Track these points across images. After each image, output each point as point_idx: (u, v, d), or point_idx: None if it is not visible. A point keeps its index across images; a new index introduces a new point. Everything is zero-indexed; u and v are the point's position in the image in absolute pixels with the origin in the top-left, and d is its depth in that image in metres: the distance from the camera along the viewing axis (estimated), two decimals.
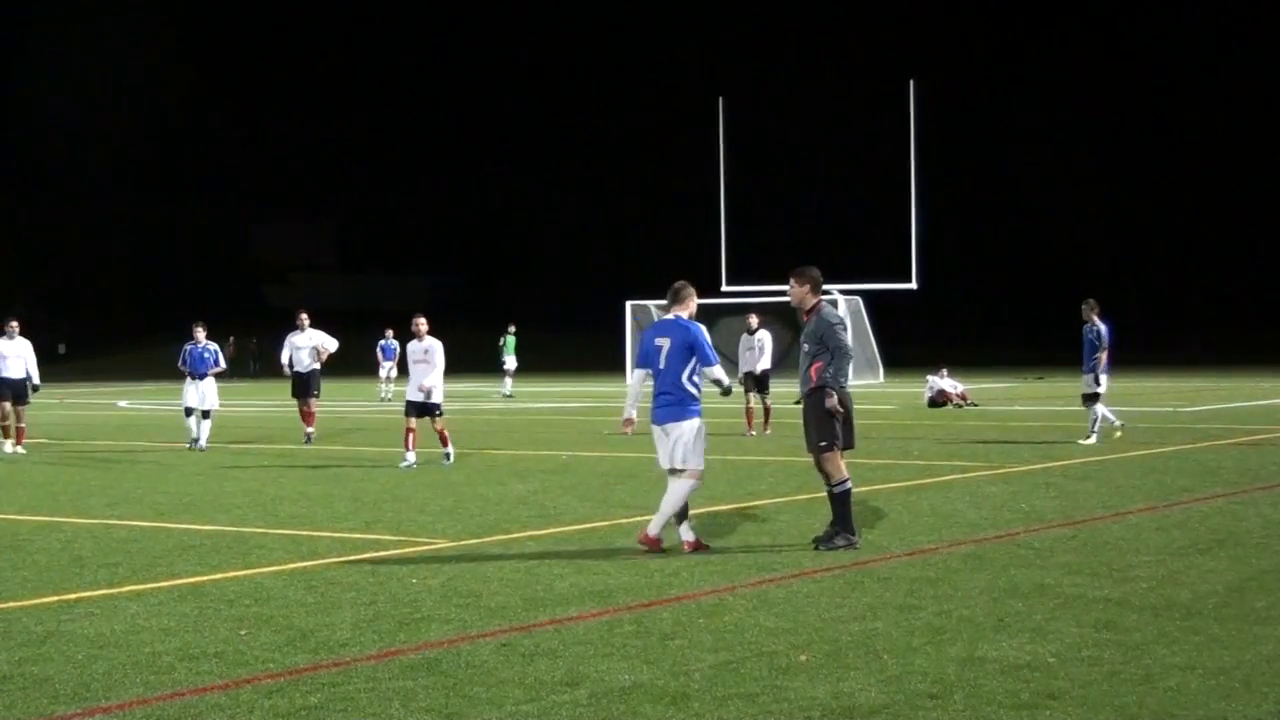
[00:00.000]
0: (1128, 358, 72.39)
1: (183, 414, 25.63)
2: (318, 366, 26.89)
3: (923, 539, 12.95)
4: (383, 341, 46.20)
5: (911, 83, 53.78)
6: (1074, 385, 48.91)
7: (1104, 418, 24.21)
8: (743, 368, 26.89)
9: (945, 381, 37.40)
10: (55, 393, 54.75)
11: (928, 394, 37.17)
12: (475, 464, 21.47)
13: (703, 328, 12.52)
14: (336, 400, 45.66)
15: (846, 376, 12.62)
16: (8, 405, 24.95)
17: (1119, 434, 24.34)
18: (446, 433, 21.60)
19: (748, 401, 26.76)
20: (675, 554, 12.16)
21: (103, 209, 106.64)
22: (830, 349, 12.40)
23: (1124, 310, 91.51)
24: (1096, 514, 14.54)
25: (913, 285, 53.54)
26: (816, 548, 12.26)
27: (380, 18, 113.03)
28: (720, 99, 57.49)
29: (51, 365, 75.18)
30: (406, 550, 12.72)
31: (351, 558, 12.26)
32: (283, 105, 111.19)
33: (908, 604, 9.88)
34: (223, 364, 25.97)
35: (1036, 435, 26.30)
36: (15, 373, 25.10)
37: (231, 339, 77.67)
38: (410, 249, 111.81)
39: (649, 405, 12.75)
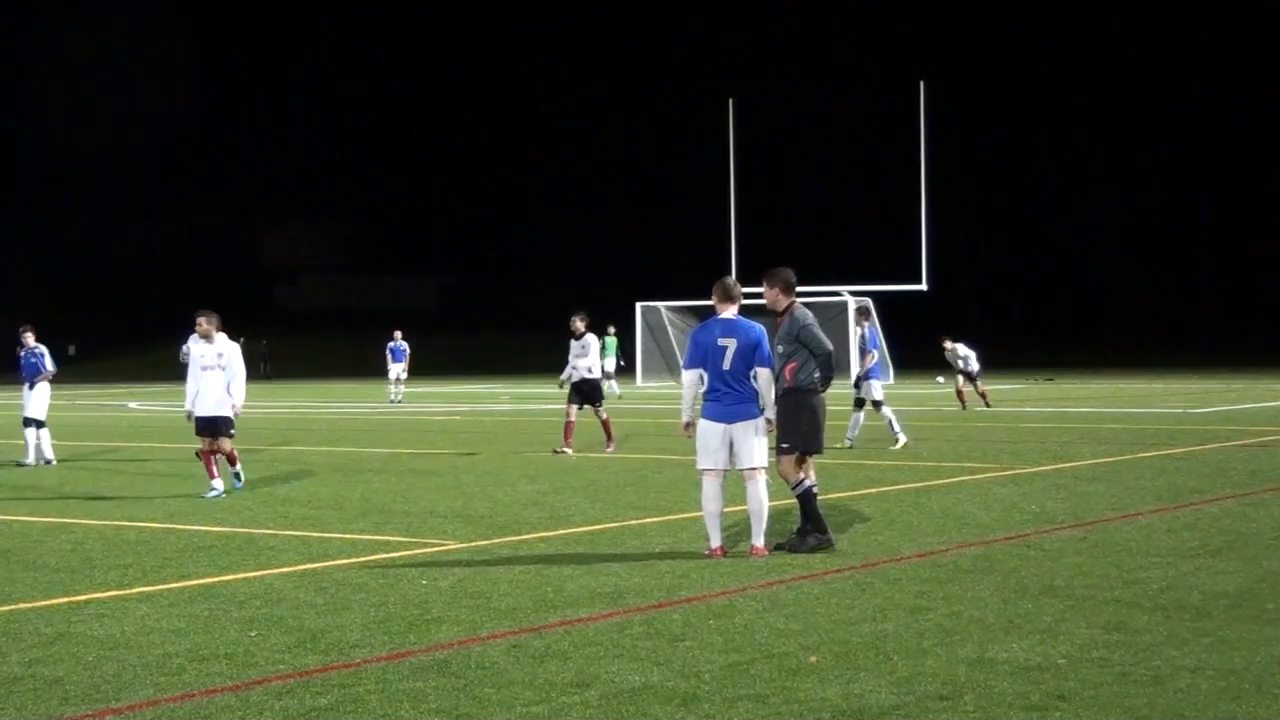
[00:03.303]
0: (1138, 359, 72.42)
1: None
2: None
3: (933, 540, 12.93)
4: (391, 343, 46.25)
5: (921, 84, 53.76)
6: (1085, 388, 48.91)
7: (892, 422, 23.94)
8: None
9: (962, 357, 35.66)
10: (65, 394, 54.86)
11: (961, 371, 35.74)
12: (485, 465, 21.47)
13: (763, 329, 12.38)
14: (346, 401, 45.70)
15: (831, 375, 12.54)
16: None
17: (848, 443, 23.93)
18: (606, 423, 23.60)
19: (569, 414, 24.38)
20: (685, 556, 12.15)
21: (114, 211, 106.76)
22: (811, 350, 12.39)
23: (1134, 311, 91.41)
24: (1106, 515, 14.52)
25: (923, 287, 53.50)
26: (781, 547, 12.22)
27: (390, 19, 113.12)
28: (730, 101, 57.50)
29: (61, 367, 75.49)
30: (416, 552, 12.72)
31: (362, 559, 12.27)
32: (292, 107, 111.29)
33: (918, 605, 9.87)
34: (50, 368, 23.42)
35: (1046, 437, 26.27)
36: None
37: (241, 340, 77.82)
38: (420, 251, 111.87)
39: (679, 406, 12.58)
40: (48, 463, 22.60)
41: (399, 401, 44.05)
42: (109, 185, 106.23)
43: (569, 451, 22.96)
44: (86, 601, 10.48)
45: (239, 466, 18.33)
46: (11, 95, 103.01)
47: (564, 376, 24.07)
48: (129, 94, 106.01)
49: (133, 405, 47.23)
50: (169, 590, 10.92)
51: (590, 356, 23.86)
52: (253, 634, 9.22)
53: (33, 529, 14.72)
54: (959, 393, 35.98)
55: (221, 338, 17.98)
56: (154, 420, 37.62)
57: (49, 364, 23.28)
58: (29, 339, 23.23)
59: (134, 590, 10.92)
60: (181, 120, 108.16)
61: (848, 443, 23.65)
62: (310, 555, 12.55)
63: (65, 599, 10.60)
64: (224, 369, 17.83)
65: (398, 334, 46.31)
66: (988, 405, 35.77)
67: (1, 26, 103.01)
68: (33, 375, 23.00)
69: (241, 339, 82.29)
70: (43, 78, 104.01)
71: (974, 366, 35.84)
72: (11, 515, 15.93)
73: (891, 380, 54.65)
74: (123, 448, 26.66)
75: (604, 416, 23.85)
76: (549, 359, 75.34)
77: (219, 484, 17.58)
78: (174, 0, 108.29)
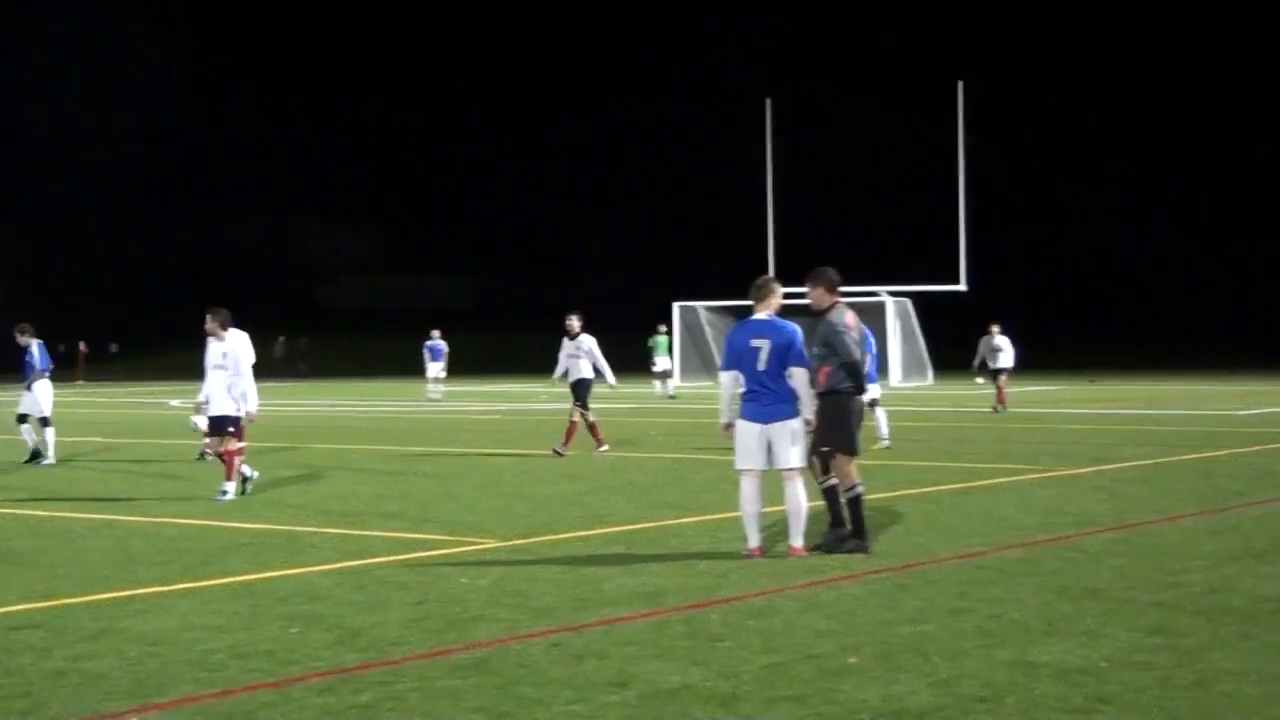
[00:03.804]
0: (1186, 360, 71.89)
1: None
2: None
3: (972, 542, 12.89)
4: (429, 342, 46.34)
5: (960, 84, 53.58)
6: (1126, 389, 48.62)
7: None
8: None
9: (1000, 348, 34.71)
10: (108, 391, 55.21)
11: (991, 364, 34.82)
12: (525, 464, 21.50)
13: (798, 328, 12.36)
14: (385, 400, 45.83)
15: (861, 381, 12.52)
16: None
17: (885, 444, 23.50)
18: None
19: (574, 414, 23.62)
20: (724, 556, 12.14)
21: (156, 210, 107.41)
22: (838, 354, 12.37)
23: (1181, 311, 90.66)
24: (1148, 518, 14.44)
25: (962, 287, 53.35)
26: (818, 547, 12.21)
27: (431, 18, 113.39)
28: (767, 100, 57.44)
29: (104, 364, 75.93)
30: (455, 550, 12.75)
31: (401, 557, 12.30)
32: (334, 109, 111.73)
33: (958, 607, 9.84)
34: (41, 365, 22.74)
35: (1086, 438, 26.14)
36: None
37: (281, 339, 78.14)
38: (459, 251, 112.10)
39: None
40: (37, 456, 22.28)
41: (439, 400, 44.14)
42: (154, 185, 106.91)
43: (606, 449, 22.86)
44: (129, 598, 10.54)
45: (232, 481, 17.22)
46: (61, 94, 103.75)
47: (556, 375, 23.80)
48: (173, 95, 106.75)
49: (174, 403, 47.45)
50: (210, 587, 10.98)
51: (584, 357, 23.41)
52: (293, 631, 9.26)
53: (75, 525, 14.82)
54: (999, 392, 34.82)
55: (233, 335, 17.59)
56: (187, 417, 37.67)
57: (40, 361, 22.71)
58: (24, 338, 22.78)
59: (176, 587, 10.98)
60: (224, 122, 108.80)
61: (885, 443, 23.46)
62: (350, 553, 12.59)
63: (108, 595, 10.67)
64: (227, 368, 17.41)
65: (435, 333, 46.41)
66: (999, 408, 34.18)
67: (45, 24, 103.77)
68: (29, 374, 22.66)
69: (282, 338, 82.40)
70: (87, 76, 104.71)
71: (1005, 363, 34.82)
72: (54, 512, 16.04)
73: (931, 381, 54.53)
74: (164, 444, 26.78)
75: (591, 419, 23.15)
76: None
77: (230, 487, 17.14)
78: (218, 3, 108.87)
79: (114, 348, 79.98)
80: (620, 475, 19.61)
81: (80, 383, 64.93)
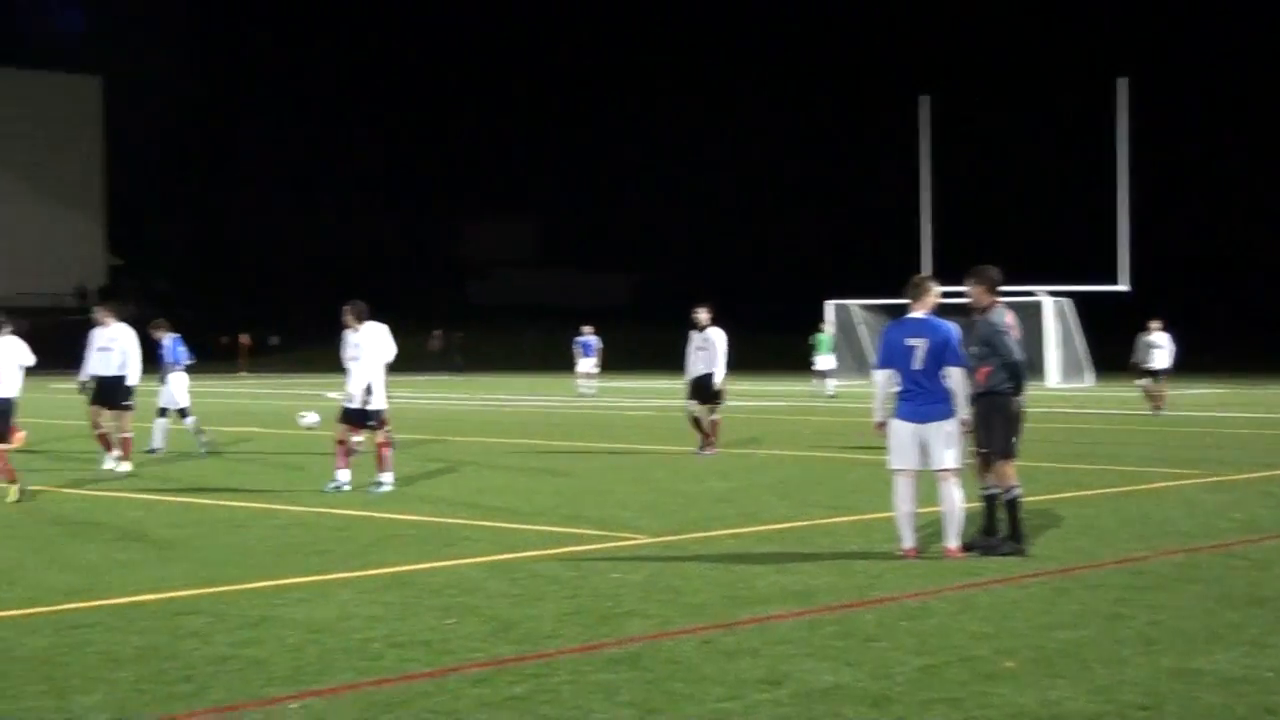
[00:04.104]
0: None
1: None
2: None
3: (1133, 547, 12.65)
4: (580, 338, 46.57)
5: (1123, 81, 52.62)
6: None
7: None
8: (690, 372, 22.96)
9: (1158, 344, 33.50)
10: (269, 383, 56.32)
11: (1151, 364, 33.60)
12: (677, 460, 21.52)
13: (955, 327, 12.24)
14: (538, 395, 46.16)
15: (1022, 382, 12.34)
16: (104, 411, 20.34)
17: None
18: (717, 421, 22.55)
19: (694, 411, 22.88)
20: (878, 556, 12.05)
21: (315, 205, 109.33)
22: (1000, 355, 12.19)
23: None
24: None
25: (1124, 287, 52.41)
26: (972, 549, 12.05)
27: (586, 12, 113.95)
28: (924, 98, 56.89)
29: (265, 356, 77.45)
30: (608, 545, 12.80)
31: (554, 551, 12.39)
32: (488, 103, 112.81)
33: (1117, 613, 9.67)
34: (173, 360, 23.00)
35: (1251, 442, 25.52)
36: (107, 369, 20.32)
37: (436, 333, 79.08)
38: (612, 246, 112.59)
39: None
40: (151, 451, 22.51)
41: (593, 395, 44.33)
42: (311, 181, 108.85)
43: (706, 453, 22.09)
44: (289, 586, 10.74)
45: (388, 473, 17.35)
46: (222, 92, 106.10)
47: (689, 376, 22.66)
48: (328, 90, 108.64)
49: (331, 395, 48.24)
50: (368, 577, 11.15)
51: (712, 352, 22.28)
52: (448, 622, 9.36)
53: (238, 514, 15.13)
54: (1149, 393, 33.64)
55: (367, 328, 17.61)
56: None
57: (172, 355, 23.06)
58: (158, 333, 23.11)
59: (334, 576, 11.17)
60: (378, 117, 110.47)
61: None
62: (503, 546, 12.70)
63: (269, 583, 10.88)
64: (358, 360, 17.47)
65: (587, 329, 46.63)
66: (1157, 409, 32.95)
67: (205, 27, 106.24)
68: (162, 368, 23.07)
69: (438, 331, 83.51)
70: (253, 76, 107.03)
71: (1162, 362, 33.52)
72: (217, 500, 16.39)
73: (1091, 383, 53.63)
74: (321, 435, 27.18)
75: (714, 418, 22.48)
76: (741, 355, 75.34)
77: (387, 479, 17.23)
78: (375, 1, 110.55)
79: (274, 340, 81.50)
80: (772, 473, 19.56)
81: (242, 374, 66.32)
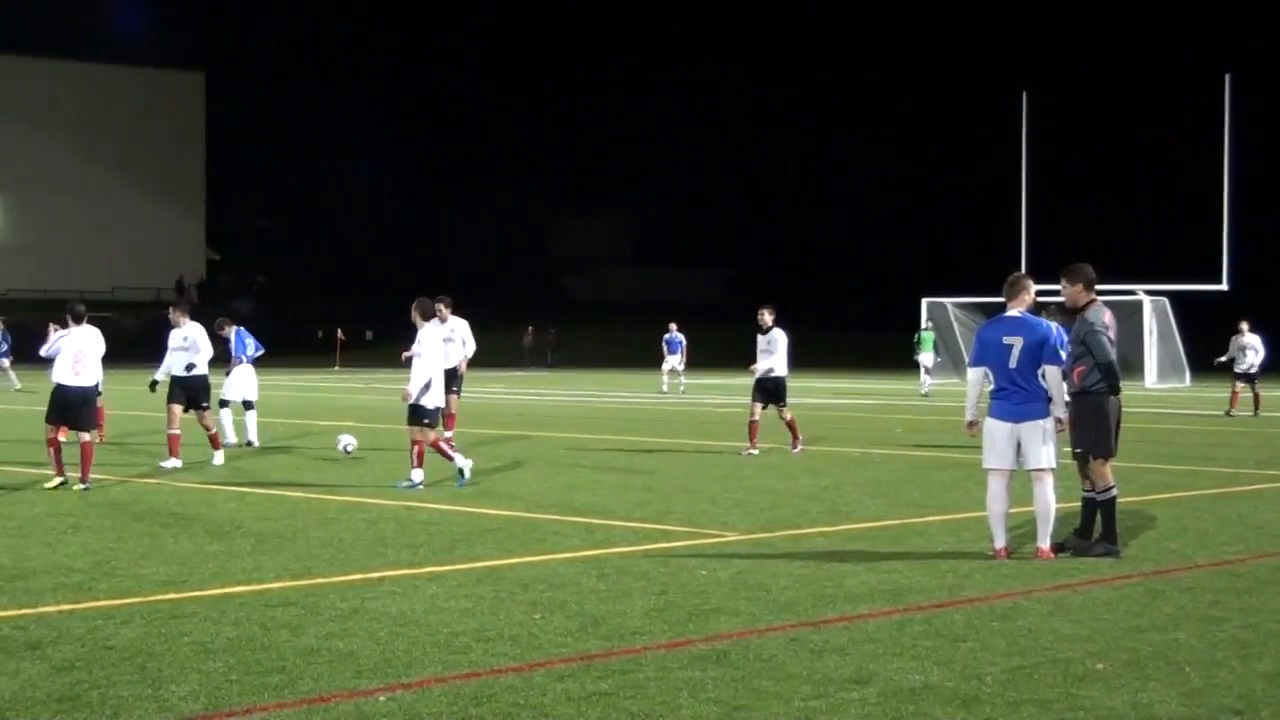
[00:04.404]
0: None
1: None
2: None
3: (1229, 549, 12.47)
4: (668, 335, 46.55)
5: (1227, 77, 51.87)
6: None
7: None
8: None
9: (1249, 348, 32.95)
10: (361, 377, 56.77)
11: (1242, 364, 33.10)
12: (766, 458, 21.48)
13: (1053, 326, 12.13)
14: (630, 391, 46.21)
15: (1117, 382, 12.19)
16: (177, 409, 19.86)
17: None
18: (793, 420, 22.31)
19: (753, 412, 22.30)
20: (969, 555, 11.95)
21: (411, 201, 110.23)
22: (1093, 355, 12.05)
23: None
24: None
25: (1224, 286, 51.67)
26: (1065, 549, 11.91)
27: (678, 13, 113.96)
28: (1023, 94, 56.38)
29: (360, 351, 78.07)
30: (697, 542, 12.80)
31: (642, 547, 12.40)
32: (583, 101, 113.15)
33: (1212, 615, 9.53)
34: (237, 354, 23.45)
35: None
36: (184, 369, 20.15)
37: (530, 329, 79.44)
38: (705, 243, 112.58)
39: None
40: (248, 444, 22.85)
41: (682, 393, 44.29)
42: (408, 177, 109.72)
43: (755, 452, 21.75)
44: (379, 579, 10.82)
45: (420, 469, 17.12)
46: (330, 91, 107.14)
47: (759, 373, 22.03)
48: (425, 87, 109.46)
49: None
50: (457, 571, 11.21)
51: (777, 353, 21.85)
52: (536, 617, 9.39)
53: (329, 508, 15.27)
54: (1233, 394, 33.20)
55: (428, 326, 17.65)
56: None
57: (238, 348, 23.36)
58: (225, 329, 23.37)
59: (424, 570, 11.24)
60: (475, 115, 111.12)
61: None
62: (592, 542, 12.73)
63: (360, 575, 10.97)
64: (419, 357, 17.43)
65: (673, 326, 46.62)
66: (1256, 412, 32.85)
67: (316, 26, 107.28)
68: (230, 361, 23.43)
69: (531, 328, 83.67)
70: (347, 72, 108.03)
71: (1253, 363, 33.04)
72: (309, 494, 16.55)
73: (1188, 383, 52.92)
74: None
75: (788, 417, 22.12)
76: (835, 353, 75.12)
77: (418, 475, 17.04)
78: None
79: (369, 335, 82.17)
80: (863, 472, 19.47)
81: (337, 369, 66.94)
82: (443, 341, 20.82)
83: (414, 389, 17.23)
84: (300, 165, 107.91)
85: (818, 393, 46.14)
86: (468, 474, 17.31)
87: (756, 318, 22.19)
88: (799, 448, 22.17)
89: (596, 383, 54.27)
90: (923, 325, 48.14)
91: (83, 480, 16.60)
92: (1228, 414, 32.90)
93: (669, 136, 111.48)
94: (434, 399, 17.36)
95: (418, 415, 17.25)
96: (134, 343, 56.65)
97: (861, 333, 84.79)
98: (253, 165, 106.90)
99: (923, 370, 45.49)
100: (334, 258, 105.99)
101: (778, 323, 22.12)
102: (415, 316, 17.78)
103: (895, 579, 10.85)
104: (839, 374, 62.71)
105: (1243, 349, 33.38)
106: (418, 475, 17.06)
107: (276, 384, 51.33)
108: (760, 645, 8.61)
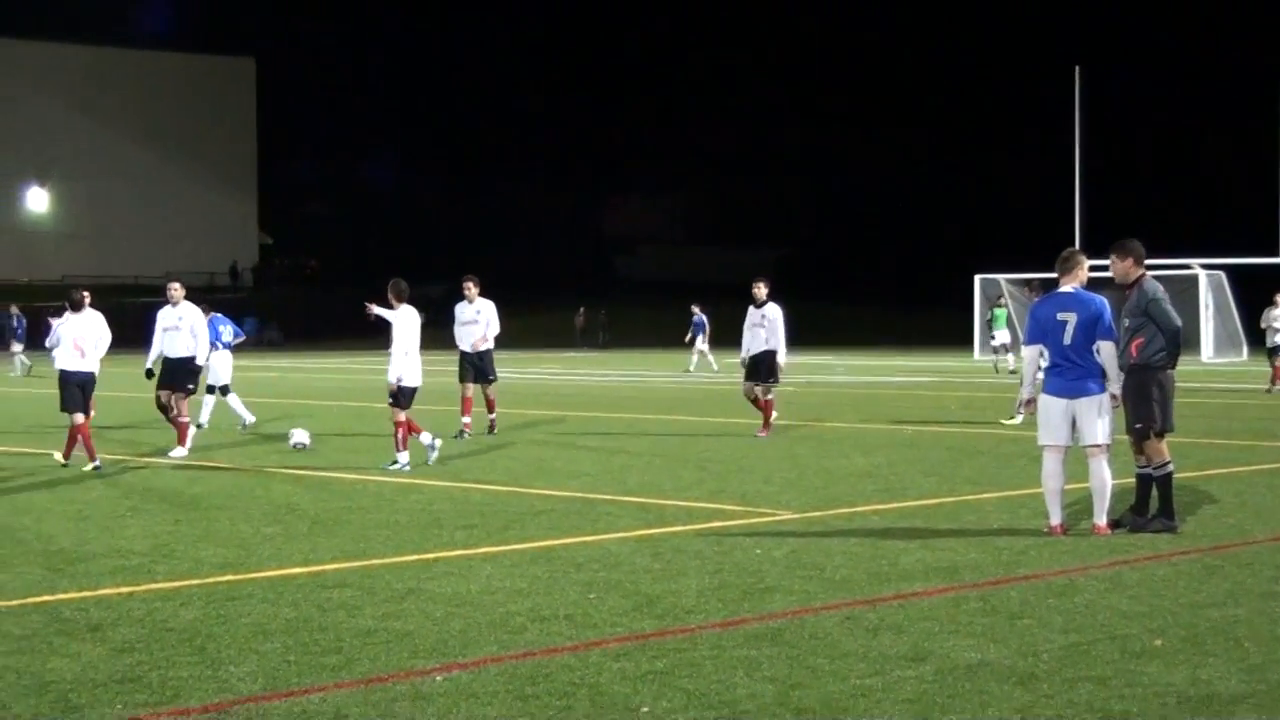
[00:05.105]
0: None
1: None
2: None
3: None
4: (695, 317, 46.50)
5: None
6: None
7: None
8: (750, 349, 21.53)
9: None
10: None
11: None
12: (820, 436, 21.43)
13: (1106, 301, 12.06)
14: (678, 372, 46.18)
15: (1178, 353, 12.09)
16: (165, 393, 19.49)
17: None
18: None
19: (751, 393, 21.64)
20: (1024, 533, 11.89)
21: (461, 183, 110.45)
22: (1158, 325, 11.95)
23: None
24: None
25: None
26: (1121, 525, 11.83)
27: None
28: (1077, 68, 55.95)
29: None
30: (751, 521, 12.78)
31: (696, 526, 12.40)
32: (634, 81, 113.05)
33: (1272, 591, 9.46)
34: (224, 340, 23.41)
35: None
36: (178, 350, 19.47)
37: (582, 310, 79.49)
38: (756, 222, 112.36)
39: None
40: (243, 426, 22.85)
41: (714, 372, 44.00)
42: (458, 158, 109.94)
43: (761, 435, 20.99)
44: (435, 560, 10.87)
45: (404, 451, 17.24)
46: (380, 75, 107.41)
47: (743, 354, 21.50)
48: (475, 68, 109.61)
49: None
50: (512, 551, 11.24)
51: (771, 329, 21.07)
52: (591, 596, 9.41)
53: (385, 488, 15.35)
54: (1274, 370, 32.08)
55: (478, 301, 18.63)
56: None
57: (212, 334, 22.54)
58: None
59: (479, 550, 11.28)
60: (528, 97, 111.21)
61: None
62: (647, 521, 12.74)
63: (415, 556, 11.02)
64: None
65: (694, 308, 46.61)
66: (1271, 387, 31.76)
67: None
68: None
69: (582, 308, 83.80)
70: (397, 54, 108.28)
71: None
72: (364, 476, 16.63)
73: (1245, 357, 52.46)
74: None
75: (769, 397, 21.33)
76: (884, 331, 74.88)
77: (404, 457, 17.12)
78: None
79: (421, 316, 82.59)
80: (917, 449, 19.40)
81: (389, 351, 67.25)
82: (463, 324, 21.02)
83: (393, 377, 17.38)
84: (351, 148, 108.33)
85: (873, 370, 45.99)
86: (435, 452, 17.46)
87: (752, 290, 21.44)
88: (766, 433, 21.10)
89: (648, 363, 54.28)
90: (996, 302, 47.46)
91: (63, 458, 17.07)
92: (1268, 391, 31.84)
93: (722, 115, 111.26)
94: (411, 379, 17.49)
95: (406, 395, 17.40)
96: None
97: (915, 310, 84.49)
98: (304, 150, 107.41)
99: (1001, 347, 44.67)
100: (385, 240, 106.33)
101: (772, 296, 21.44)
102: (390, 298, 17.89)
103: (950, 556, 10.81)
104: (893, 351, 62.52)
105: (1273, 322, 32.43)
106: (403, 458, 17.18)
107: (329, 367, 51.64)
108: (815, 624, 8.60)
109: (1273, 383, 32.14)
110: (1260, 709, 6.82)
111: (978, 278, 57.71)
